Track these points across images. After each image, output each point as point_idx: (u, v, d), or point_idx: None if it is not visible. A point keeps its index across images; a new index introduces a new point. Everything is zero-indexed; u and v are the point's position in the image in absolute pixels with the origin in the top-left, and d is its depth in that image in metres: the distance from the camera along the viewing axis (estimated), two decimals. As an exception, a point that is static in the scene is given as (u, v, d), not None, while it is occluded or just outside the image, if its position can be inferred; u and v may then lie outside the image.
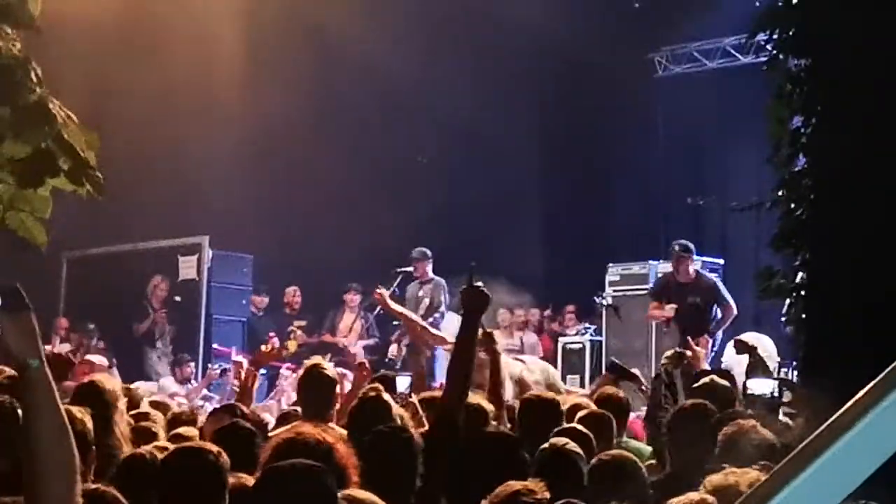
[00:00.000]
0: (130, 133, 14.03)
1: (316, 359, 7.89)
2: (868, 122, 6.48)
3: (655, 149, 19.02)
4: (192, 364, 16.05)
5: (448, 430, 6.12)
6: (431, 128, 18.22)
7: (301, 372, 7.61)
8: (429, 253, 16.12)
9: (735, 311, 13.88)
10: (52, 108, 5.53)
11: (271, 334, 17.62)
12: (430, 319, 16.00)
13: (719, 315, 13.98)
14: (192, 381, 15.73)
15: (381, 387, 6.88)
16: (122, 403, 6.49)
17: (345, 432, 6.83)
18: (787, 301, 8.47)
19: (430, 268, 16.10)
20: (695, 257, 14.43)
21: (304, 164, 17.26)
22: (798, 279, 6.91)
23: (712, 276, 14.65)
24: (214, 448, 4.86)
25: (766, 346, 14.26)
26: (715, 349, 13.92)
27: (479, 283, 6.60)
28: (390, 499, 4.80)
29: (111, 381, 6.61)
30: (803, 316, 7.01)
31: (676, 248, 14.29)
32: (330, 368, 7.50)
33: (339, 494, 4.55)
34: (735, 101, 17.60)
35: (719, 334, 13.94)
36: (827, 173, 6.70)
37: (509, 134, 18.66)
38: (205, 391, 15.49)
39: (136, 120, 15.13)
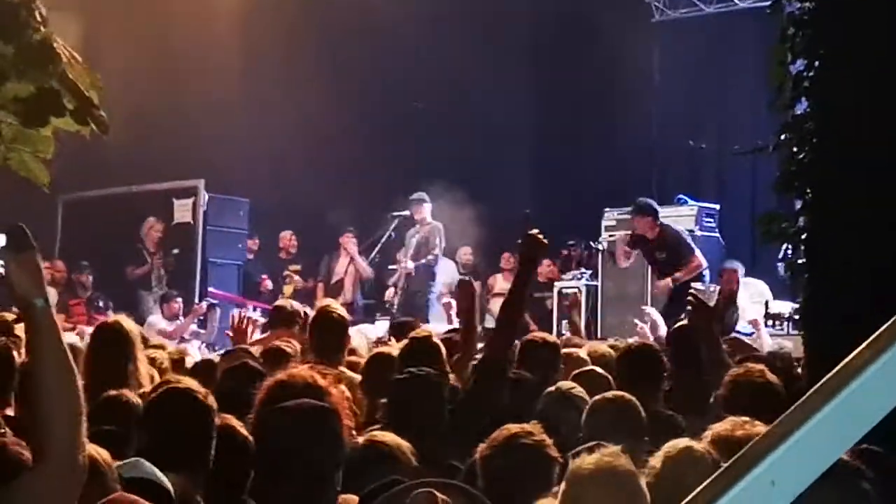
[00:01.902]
0: (127, 76, 13.94)
1: (327, 301, 7.91)
2: (871, 64, 6.46)
3: (652, 94, 18.97)
4: (180, 300, 16.05)
5: (494, 377, 6.17)
6: (427, 74, 18.15)
7: (312, 314, 7.65)
8: (427, 197, 16.13)
9: (701, 263, 13.89)
10: (57, 48, 5.49)
11: (264, 276, 17.66)
12: (424, 261, 16.05)
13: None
14: (180, 318, 15.74)
15: (431, 330, 6.94)
16: (140, 344, 6.52)
17: (349, 373, 6.89)
18: (785, 245, 8.47)
19: (428, 211, 16.12)
20: (676, 208, 14.54)
21: (301, 109, 17.20)
22: (800, 223, 6.91)
23: (680, 227, 14.61)
24: (201, 389, 4.89)
25: (760, 290, 14.36)
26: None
27: (536, 231, 6.53)
28: (415, 441, 4.83)
29: (131, 323, 6.62)
30: (803, 260, 7.01)
31: (633, 207, 14.33)
32: (341, 310, 7.52)
33: (362, 438, 4.57)
34: (732, 45, 17.57)
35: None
36: (829, 116, 6.68)
37: (504, 79, 18.61)
38: (193, 327, 15.55)
39: (132, 63, 15.04)
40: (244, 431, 4.78)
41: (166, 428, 4.67)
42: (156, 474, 4.25)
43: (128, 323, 6.51)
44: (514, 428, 4.75)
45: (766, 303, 13.17)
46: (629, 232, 14.65)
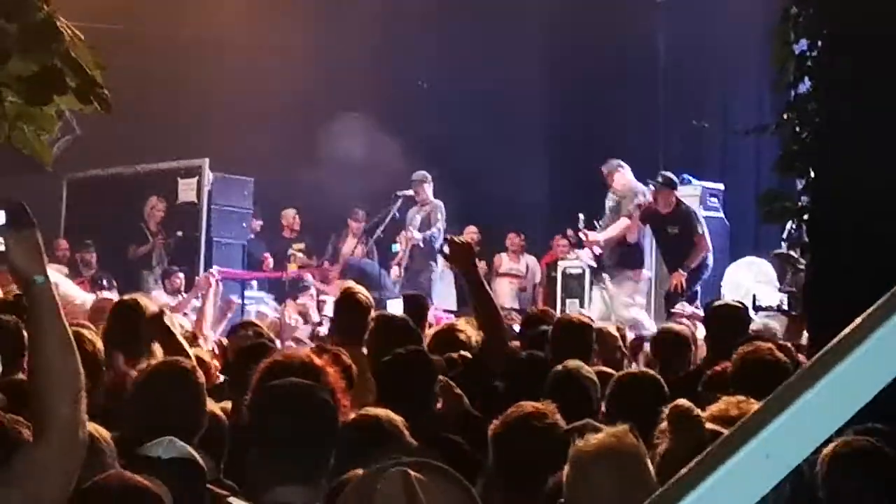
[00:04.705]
0: (131, 56, 13.94)
1: (351, 282, 8.05)
2: (873, 44, 6.47)
3: (657, 74, 18.93)
4: (181, 275, 16.01)
5: (494, 358, 6.39)
6: (433, 53, 18.13)
7: (337, 295, 7.79)
8: (429, 176, 16.13)
9: (708, 245, 13.88)
10: (60, 26, 5.50)
11: (266, 255, 17.66)
12: (427, 233, 16.06)
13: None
14: (182, 293, 15.70)
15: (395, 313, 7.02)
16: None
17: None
18: (788, 224, 8.49)
19: (430, 190, 16.11)
20: (680, 188, 14.52)
21: (305, 88, 17.19)
22: (802, 202, 6.93)
23: (692, 204, 14.61)
24: (189, 363, 4.91)
25: (764, 270, 14.34)
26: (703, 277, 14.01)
27: (457, 238, 6.78)
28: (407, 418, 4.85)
29: (148, 301, 6.72)
30: (806, 239, 7.03)
31: (660, 179, 14.30)
32: (364, 292, 7.59)
33: (355, 413, 4.57)
34: (737, 26, 17.51)
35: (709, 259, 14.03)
36: (832, 96, 6.70)
37: (511, 59, 18.57)
38: (195, 302, 15.50)
39: (136, 42, 15.04)
40: (218, 411, 4.81)
41: (155, 403, 4.72)
42: (190, 452, 4.26)
43: (145, 302, 6.63)
44: (527, 407, 4.76)
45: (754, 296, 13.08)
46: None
